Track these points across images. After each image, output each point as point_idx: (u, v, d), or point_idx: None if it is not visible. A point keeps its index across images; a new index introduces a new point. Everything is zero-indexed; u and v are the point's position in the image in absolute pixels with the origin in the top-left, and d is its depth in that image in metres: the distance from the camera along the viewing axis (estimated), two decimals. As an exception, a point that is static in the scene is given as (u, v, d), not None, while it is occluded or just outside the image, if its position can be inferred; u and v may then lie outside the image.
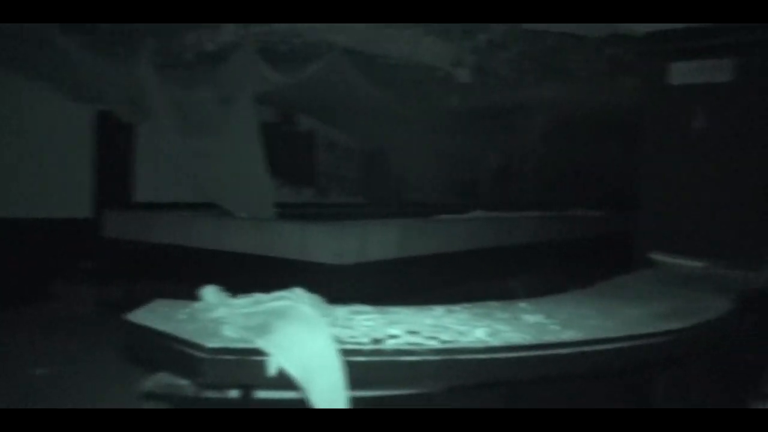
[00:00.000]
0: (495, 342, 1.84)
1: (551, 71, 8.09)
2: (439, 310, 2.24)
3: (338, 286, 4.35)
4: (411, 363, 1.74)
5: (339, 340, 1.73)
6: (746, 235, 3.91)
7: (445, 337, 1.86)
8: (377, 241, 5.12)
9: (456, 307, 2.31)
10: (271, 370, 1.61)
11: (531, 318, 2.19)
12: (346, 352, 1.68)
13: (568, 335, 1.98)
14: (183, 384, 1.89)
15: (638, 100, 4.52)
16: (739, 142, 3.85)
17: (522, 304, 2.44)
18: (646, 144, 4.28)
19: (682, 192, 4.08)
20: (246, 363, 1.64)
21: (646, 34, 4.10)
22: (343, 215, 6.47)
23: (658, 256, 4.08)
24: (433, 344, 1.78)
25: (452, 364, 1.78)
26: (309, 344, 1.67)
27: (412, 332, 1.89)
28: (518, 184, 12.75)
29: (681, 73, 4.01)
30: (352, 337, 1.80)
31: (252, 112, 6.68)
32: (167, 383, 1.94)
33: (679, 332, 2.22)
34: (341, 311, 2.09)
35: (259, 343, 1.63)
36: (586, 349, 1.94)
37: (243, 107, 6.67)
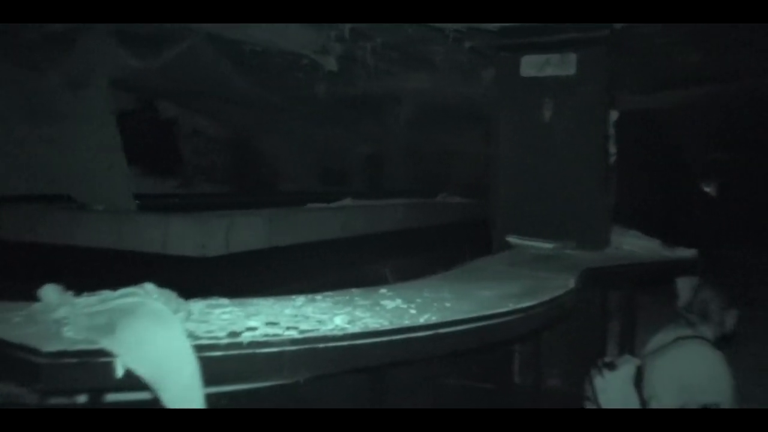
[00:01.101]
0: (353, 329, 1.86)
1: (416, 62, 8.30)
2: (300, 300, 2.23)
3: (201, 279, 4.21)
4: (268, 355, 1.71)
5: (193, 336, 1.67)
6: (590, 218, 4.23)
7: (304, 326, 1.85)
8: (243, 232, 4.99)
9: (318, 296, 2.31)
10: (119, 371, 1.52)
11: (390, 303, 2.24)
12: (200, 348, 1.63)
13: (424, 318, 2.04)
14: (23, 392, 1.75)
15: (495, 92, 4.72)
16: (582, 131, 4.16)
17: (383, 290, 2.49)
18: (501, 133, 4.50)
19: (534, 178, 4.34)
20: (90, 366, 1.53)
21: (499, 28, 4.30)
22: (208, 206, 6.26)
23: (513, 239, 4.33)
24: (291, 334, 1.77)
25: (311, 354, 1.77)
26: (159, 342, 1.59)
27: (271, 323, 1.86)
28: (387, 172, 12.99)
29: (531, 66, 4.26)
30: (208, 331, 1.75)
31: (106, 98, 6.27)
32: (6, 393, 1.79)
33: (528, 310, 2.36)
34: (197, 305, 2.02)
35: (104, 344, 1.53)
36: (441, 331, 2.01)
37: (95, 92, 6.25)
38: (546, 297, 2.54)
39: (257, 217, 5.39)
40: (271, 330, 1.80)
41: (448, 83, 9.09)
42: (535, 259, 3.73)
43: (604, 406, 2.89)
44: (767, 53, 6.73)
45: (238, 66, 7.88)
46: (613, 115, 4.31)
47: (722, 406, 2.58)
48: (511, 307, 2.30)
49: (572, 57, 4.13)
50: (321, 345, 1.78)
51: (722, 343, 2.92)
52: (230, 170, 11.16)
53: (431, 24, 5.21)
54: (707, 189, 17.74)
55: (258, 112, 10.06)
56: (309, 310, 2.09)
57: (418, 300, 2.34)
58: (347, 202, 7.23)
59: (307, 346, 1.76)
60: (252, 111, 10.18)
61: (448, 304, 2.31)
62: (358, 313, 2.08)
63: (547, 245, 4.11)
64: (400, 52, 7.96)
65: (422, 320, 2.02)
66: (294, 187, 11.22)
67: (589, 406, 2.99)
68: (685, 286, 3.70)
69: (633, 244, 4.35)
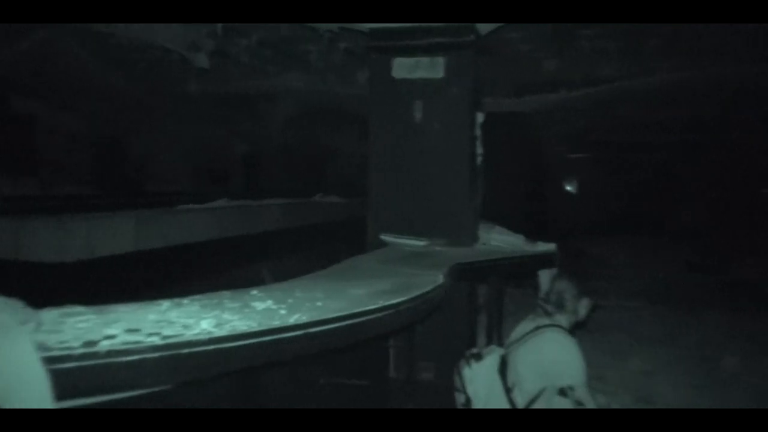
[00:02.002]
0: (220, 332, 1.82)
1: (291, 61, 8.25)
2: (165, 305, 2.15)
3: (59, 286, 3.95)
4: (128, 364, 1.64)
5: (44, 348, 1.57)
6: (459, 216, 4.41)
7: (168, 332, 1.79)
8: (107, 235, 4.73)
9: (185, 300, 2.24)
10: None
11: (261, 305, 2.22)
12: (52, 360, 1.53)
13: (294, 319, 2.03)
14: None
15: (369, 93, 4.79)
16: (450, 132, 4.33)
17: (253, 292, 2.46)
18: (374, 134, 4.58)
19: (405, 178, 4.45)
20: None
21: (370, 30, 4.37)
22: (69, 208, 5.89)
23: (387, 238, 4.42)
24: (153, 341, 1.70)
25: (175, 360, 1.72)
26: (3, 355, 1.48)
27: (132, 330, 1.78)
28: (264, 171, 12.80)
29: (402, 68, 4.37)
30: (61, 342, 1.64)
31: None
32: None
33: (397, 306, 2.42)
34: (49, 315, 1.89)
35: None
36: (311, 330, 2.02)
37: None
38: (415, 293, 2.61)
39: (123, 219, 5.12)
40: (131, 337, 1.72)
41: (325, 83, 9.12)
42: (407, 257, 3.82)
43: (471, 396, 3.03)
44: (619, 61, 7.35)
45: (102, 60, 7.45)
46: (480, 116, 4.51)
47: (576, 389, 2.79)
48: (380, 303, 2.35)
49: (440, 60, 4.28)
50: (185, 350, 1.73)
51: (576, 329, 3.16)
52: (95, 170, 10.52)
53: (305, 23, 5.22)
54: (567, 186, 19.06)
55: (126, 109, 9.55)
56: (174, 314, 2.02)
57: (290, 300, 2.33)
58: (221, 202, 7.05)
59: (170, 353, 1.70)
60: (119, 108, 9.64)
61: (319, 304, 2.32)
62: (226, 315, 2.04)
63: (419, 243, 4.24)
64: (275, 51, 7.88)
65: (292, 320, 2.02)
66: (165, 187, 10.76)
67: (458, 397, 3.13)
68: (545, 277, 3.95)
69: (499, 240, 4.58)
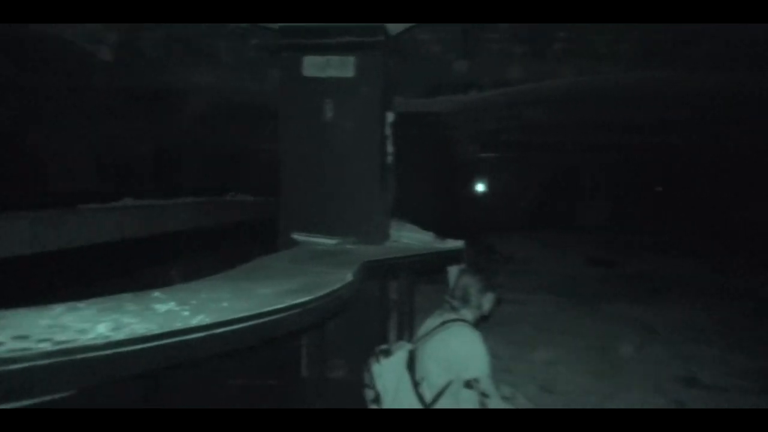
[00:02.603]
0: (118, 336, 1.77)
1: (202, 56, 8.04)
2: (58, 309, 2.06)
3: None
4: (16, 372, 1.56)
5: None
6: (370, 214, 4.45)
7: (61, 337, 1.72)
8: (1, 236, 4.47)
9: (80, 304, 2.15)
10: None
11: (163, 307, 2.16)
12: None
13: (197, 320, 2.00)
14: None
15: (280, 90, 4.75)
16: (361, 131, 4.37)
17: (156, 294, 2.40)
18: (285, 132, 4.55)
19: (316, 177, 4.45)
20: None
21: (281, 27, 4.34)
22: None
23: (298, 236, 4.41)
24: (44, 347, 1.63)
25: (68, 366, 1.65)
26: None
27: (20, 337, 1.70)
28: (174, 169, 12.41)
29: (312, 66, 4.36)
30: (-58, 351, 1.55)
31: None
32: None
33: (304, 305, 2.43)
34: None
35: None
36: (214, 332, 1.99)
37: None
38: (323, 291, 2.63)
39: (19, 219, 4.85)
40: (19, 344, 1.64)
41: (237, 80, 8.94)
42: (317, 255, 3.83)
43: (380, 392, 3.07)
44: (526, 64, 7.62)
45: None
46: (390, 116, 4.57)
47: (481, 380, 2.89)
48: (287, 303, 2.35)
49: (351, 60, 4.30)
50: (79, 356, 1.66)
51: (481, 323, 3.27)
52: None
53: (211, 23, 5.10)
54: (478, 185, 19.63)
55: (24, 102, 8.99)
56: (69, 319, 1.94)
57: (194, 302, 2.29)
58: (127, 201, 6.80)
59: (62, 359, 1.63)
60: (16, 100, 9.07)
61: (225, 304, 2.29)
62: (125, 319, 1.97)
63: (330, 241, 4.25)
64: (184, 45, 7.66)
65: (195, 322, 1.98)
66: (68, 186, 10.23)
67: (367, 393, 3.16)
68: (453, 274, 4.05)
69: (409, 238, 4.66)
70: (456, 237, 4.93)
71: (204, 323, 1.98)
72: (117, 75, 8.48)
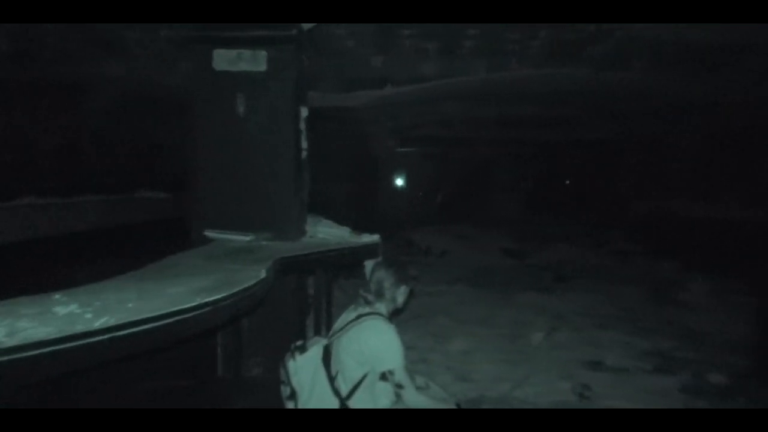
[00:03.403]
0: (12, 342, 1.68)
1: (108, 46, 7.69)
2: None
3: None
4: None
5: None
6: (285, 210, 4.42)
7: (-52, 345, 1.62)
8: None
9: (-29, 309, 2.03)
10: None
11: (63, 310, 2.07)
12: None
13: (100, 323, 1.93)
14: None
15: (191, 83, 4.63)
16: (274, 126, 4.32)
17: (57, 296, 2.29)
18: (197, 127, 4.44)
19: (230, 172, 4.38)
20: None
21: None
22: None
23: (212, 233, 4.32)
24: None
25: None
26: None
27: None
28: (80, 166, 11.81)
29: (223, 60, 4.28)
30: None
31: None
32: None
33: (216, 303, 2.39)
34: None
35: None
36: (118, 334, 1.93)
37: None
38: (236, 289, 2.60)
39: None
40: None
41: (148, 72, 8.61)
42: (231, 252, 3.77)
43: (296, 388, 3.06)
44: (439, 61, 7.76)
45: None
46: (304, 111, 4.54)
47: (396, 372, 2.94)
48: (198, 301, 2.30)
49: (263, 54, 4.25)
50: (-32, 364, 1.58)
51: (396, 316, 3.32)
52: None
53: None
54: (396, 179, 19.82)
55: None
56: (-43, 326, 1.83)
57: (97, 303, 2.21)
58: (28, 200, 6.43)
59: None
60: None
61: (131, 305, 2.22)
62: (21, 323, 1.88)
63: (244, 238, 4.19)
64: (92, 37, 7.31)
65: (97, 325, 1.92)
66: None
67: (283, 389, 3.14)
68: (370, 268, 4.09)
69: (326, 233, 4.66)
70: (375, 231, 4.96)
71: (107, 325, 1.91)
72: (15, 66, 8.00)
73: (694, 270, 9.12)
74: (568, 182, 20.78)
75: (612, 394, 4.81)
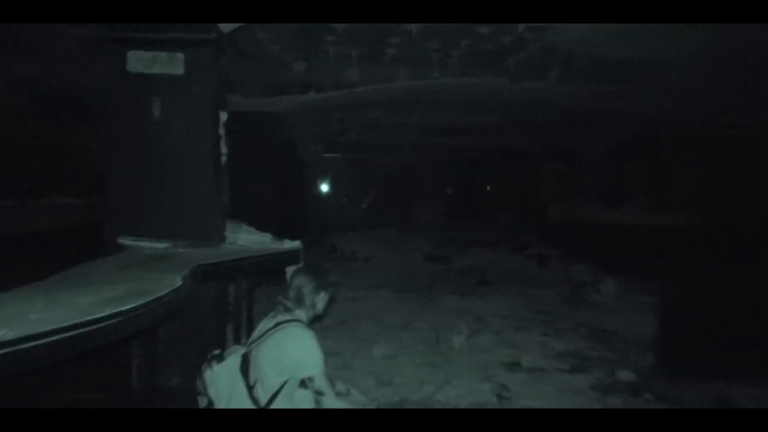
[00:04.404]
0: None
1: (18, 45, 7.31)
2: None
3: None
4: None
5: None
6: (204, 216, 4.33)
7: None
8: None
9: None
10: None
11: (-42, 323, 1.96)
12: None
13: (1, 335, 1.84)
14: None
15: (104, 85, 4.47)
16: (193, 131, 4.23)
17: (-52, 309, 2.16)
18: (110, 129, 4.30)
19: (146, 178, 4.25)
20: None
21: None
22: None
23: (126, 241, 4.17)
24: None
25: None
26: None
27: None
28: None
29: (138, 62, 4.15)
30: None
31: None
32: None
33: (126, 313, 2.31)
34: None
35: None
36: (19, 347, 1.84)
37: None
38: (149, 298, 2.52)
39: None
40: None
41: (61, 72, 8.24)
42: (147, 260, 3.66)
43: (213, 398, 3.00)
44: (362, 67, 7.81)
45: None
46: (224, 115, 4.47)
47: (315, 379, 2.92)
48: (107, 312, 2.22)
49: (180, 57, 4.15)
50: None
51: (316, 322, 3.30)
52: None
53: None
54: (322, 185, 19.77)
55: None
56: None
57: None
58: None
59: None
60: None
61: (33, 317, 2.12)
62: None
63: (160, 245, 4.08)
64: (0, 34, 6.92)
65: (-3, 338, 1.82)
66: None
67: (200, 400, 3.07)
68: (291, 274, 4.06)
69: (247, 239, 4.60)
70: (298, 237, 4.94)
71: (6, 339, 1.82)
72: None
73: (605, 272, 9.55)
74: (488, 188, 21.36)
75: (529, 394, 4.96)
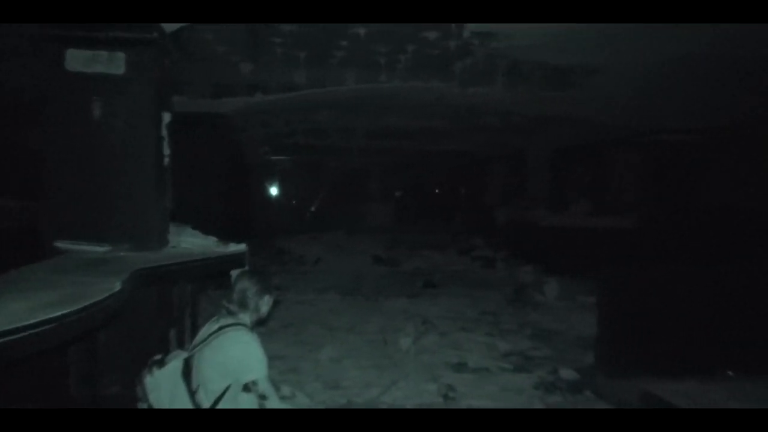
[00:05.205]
0: None
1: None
2: None
3: None
4: None
5: None
6: (146, 219, 4.24)
7: None
8: None
9: None
10: None
11: None
12: None
13: None
14: None
15: (42, 84, 4.33)
16: (134, 132, 4.14)
17: None
18: (48, 130, 4.17)
19: (85, 179, 4.14)
20: None
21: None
22: None
23: (64, 244, 4.05)
24: None
25: None
26: None
27: None
28: None
29: (77, 61, 4.03)
30: None
31: None
32: None
33: (60, 319, 2.25)
34: None
35: None
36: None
37: None
38: (85, 303, 2.46)
39: None
40: None
41: (-2, 69, 7.93)
42: (85, 264, 3.56)
43: (154, 404, 2.94)
44: (309, 69, 7.78)
45: None
46: (167, 116, 4.39)
47: (259, 383, 2.90)
48: (40, 318, 2.16)
49: (121, 56, 4.06)
50: None
51: (258, 326, 3.28)
52: None
53: None
54: (270, 187, 19.61)
55: None
56: None
57: None
58: None
59: None
60: None
61: (-38, 324, 2.04)
62: None
63: (100, 249, 3.97)
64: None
65: None
66: None
67: (141, 407, 3.01)
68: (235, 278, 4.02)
69: (190, 243, 4.52)
70: (246, 240, 4.88)
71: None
72: None
73: (549, 274, 9.79)
74: (437, 191, 21.58)
75: (474, 394, 5.05)
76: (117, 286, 2.82)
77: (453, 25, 6.26)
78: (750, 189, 10.46)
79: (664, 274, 5.14)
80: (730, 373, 4.72)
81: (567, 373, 5.55)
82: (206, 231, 4.91)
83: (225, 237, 4.89)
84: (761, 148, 10.26)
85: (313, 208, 20.26)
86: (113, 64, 4.05)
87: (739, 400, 4.12)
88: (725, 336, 4.90)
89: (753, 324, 4.92)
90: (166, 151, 4.39)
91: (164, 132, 4.35)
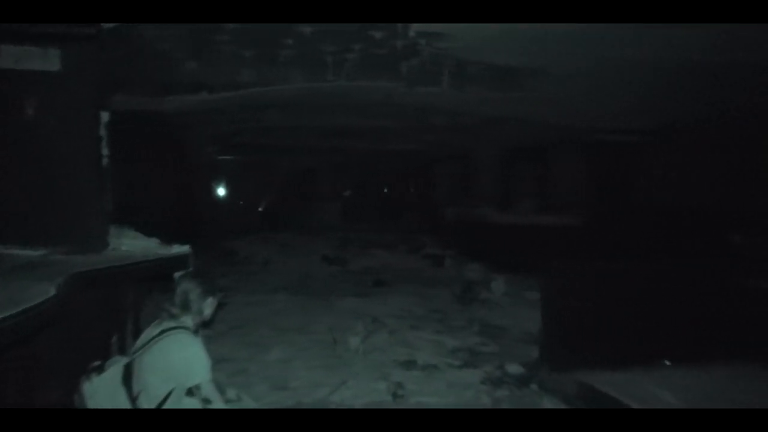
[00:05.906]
0: None
1: None
2: None
3: None
4: None
5: None
6: (83, 221, 4.12)
7: None
8: None
9: None
10: None
11: None
12: None
13: None
14: None
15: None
16: (70, 131, 4.01)
17: None
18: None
19: (18, 180, 3.99)
20: None
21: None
22: None
23: (-5, 248, 3.89)
24: None
25: None
26: None
27: None
28: None
29: (7, 57, 3.88)
30: None
31: None
32: None
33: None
34: None
35: None
36: None
37: None
38: (17, 309, 2.37)
39: None
40: None
41: None
42: (18, 268, 3.43)
43: (93, 412, 2.86)
44: (256, 67, 7.70)
45: None
46: (105, 116, 4.27)
47: (202, 387, 2.85)
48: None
49: (55, 52, 3.92)
50: None
51: (204, 328, 3.22)
52: None
53: None
54: (217, 188, 19.28)
55: None
56: None
57: None
58: None
59: None
60: None
61: None
62: None
63: (35, 252, 3.83)
64: None
65: None
66: None
67: (79, 414, 2.92)
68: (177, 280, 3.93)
69: (131, 245, 4.41)
70: (192, 242, 4.78)
71: None
72: None
73: (496, 271, 9.94)
74: (386, 191, 21.68)
75: (423, 391, 5.07)
76: (52, 291, 2.73)
77: (399, 24, 6.28)
78: (685, 188, 10.89)
79: (606, 271, 5.29)
80: (666, 362, 4.90)
81: (513, 368, 5.64)
82: (150, 233, 4.80)
83: (170, 239, 4.79)
84: (696, 149, 10.70)
85: (261, 208, 20.04)
86: (47, 60, 3.92)
87: (671, 390, 4.28)
88: (663, 329, 5.09)
89: (689, 317, 5.13)
90: (105, 151, 4.26)
91: (103, 131, 4.22)
